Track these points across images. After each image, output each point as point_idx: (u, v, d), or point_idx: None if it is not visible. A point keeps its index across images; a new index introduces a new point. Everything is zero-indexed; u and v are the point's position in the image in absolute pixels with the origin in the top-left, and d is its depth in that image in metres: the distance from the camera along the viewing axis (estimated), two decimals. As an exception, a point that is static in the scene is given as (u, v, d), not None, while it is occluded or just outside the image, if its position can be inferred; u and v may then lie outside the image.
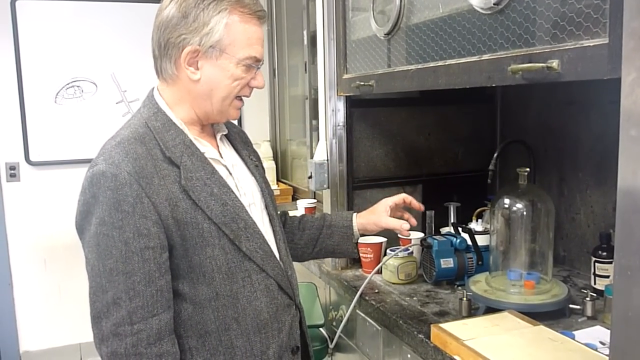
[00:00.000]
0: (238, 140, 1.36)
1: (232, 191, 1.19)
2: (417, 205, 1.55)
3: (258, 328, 1.19)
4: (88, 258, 1.09)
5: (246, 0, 1.16)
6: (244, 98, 1.24)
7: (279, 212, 1.46)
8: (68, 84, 3.33)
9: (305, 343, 1.37)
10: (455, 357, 1.28)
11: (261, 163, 1.41)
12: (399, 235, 1.81)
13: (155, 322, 1.07)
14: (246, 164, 1.32)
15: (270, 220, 1.31)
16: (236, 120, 2.94)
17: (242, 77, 1.18)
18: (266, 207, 1.32)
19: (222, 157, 1.25)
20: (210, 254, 1.13)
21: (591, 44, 0.97)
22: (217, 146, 1.27)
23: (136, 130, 1.15)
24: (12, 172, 3.30)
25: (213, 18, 1.12)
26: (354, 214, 1.52)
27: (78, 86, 3.35)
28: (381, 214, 1.49)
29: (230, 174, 1.24)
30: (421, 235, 1.96)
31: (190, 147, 1.16)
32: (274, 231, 1.31)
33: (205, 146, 1.21)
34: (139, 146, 1.11)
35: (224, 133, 1.31)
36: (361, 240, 1.85)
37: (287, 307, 1.26)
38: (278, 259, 1.26)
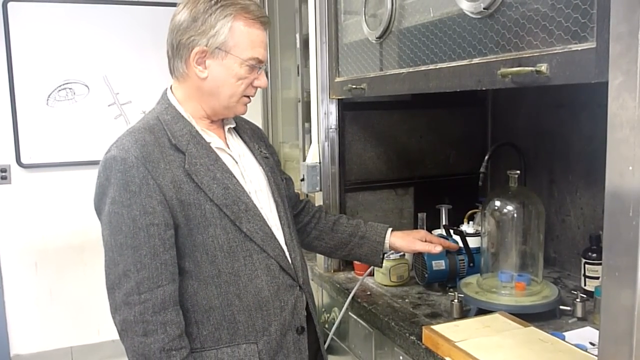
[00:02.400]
0: (249, 134, 1.45)
1: (234, 177, 1.28)
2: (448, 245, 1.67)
3: (259, 305, 1.27)
4: (103, 235, 1.21)
5: (250, 7, 1.27)
6: (252, 96, 1.34)
7: (319, 206, 1.66)
8: (60, 86, 3.31)
9: (313, 325, 1.43)
10: (446, 358, 1.29)
11: (273, 156, 1.50)
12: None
13: (160, 293, 1.17)
14: (254, 154, 1.41)
15: (277, 207, 1.39)
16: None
17: (246, 77, 1.28)
18: (272, 194, 1.39)
19: (228, 147, 1.35)
20: (213, 234, 1.23)
21: (579, 48, 0.98)
22: (225, 138, 1.37)
23: (147, 122, 1.27)
24: (3, 175, 3.28)
25: (219, 22, 1.24)
26: (389, 231, 1.59)
27: (70, 88, 3.34)
28: (417, 239, 1.59)
29: (237, 162, 1.34)
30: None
31: (196, 137, 1.27)
32: (279, 217, 1.38)
33: (211, 137, 1.32)
34: (148, 135, 1.23)
35: (232, 126, 1.40)
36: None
37: (289, 287, 1.33)
38: (282, 242, 1.34)
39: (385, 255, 1.68)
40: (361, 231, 1.58)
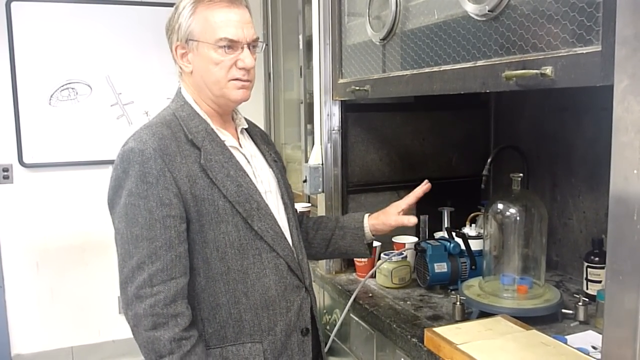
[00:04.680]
0: (259, 136, 1.47)
1: (247, 175, 1.29)
2: (424, 188, 1.58)
3: (266, 304, 1.27)
4: (118, 228, 1.20)
5: None
6: (244, 79, 1.30)
7: (300, 212, 1.59)
8: (62, 86, 3.31)
9: (316, 327, 1.42)
10: (448, 361, 1.29)
11: (281, 161, 1.51)
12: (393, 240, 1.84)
13: (173, 285, 1.17)
14: (264, 157, 1.42)
15: (285, 208, 1.40)
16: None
17: (222, 60, 1.26)
18: (282, 196, 1.40)
19: (241, 147, 1.35)
20: (224, 230, 1.23)
21: (584, 52, 0.98)
22: (238, 138, 1.38)
23: (164, 117, 1.29)
24: (5, 174, 3.28)
25: (181, 15, 1.27)
26: (366, 215, 1.56)
27: (72, 88, 3.34)
28: (391, 214, 1.54)
29: (249, 162, 1.35)
30: (415, 239, 1.97)
31: (212, 134, 1.29)
32: (287, 218, 1.39)
33: (225, 135, 1.33)
34: (165, 129, 1.24)
35: (245, 127, 1.41)
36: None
37: (296, 288, 1.34)
38: (290, 242, 1.34)
39: (384, 255, 1.67)
40: (340, 222, 1.57)
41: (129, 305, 1.17)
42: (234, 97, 1.30)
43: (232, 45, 1.26)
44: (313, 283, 2.07)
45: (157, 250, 1.16)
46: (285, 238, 1.33)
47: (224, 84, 1.28)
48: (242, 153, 1.34)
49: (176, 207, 1.18)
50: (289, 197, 1.42)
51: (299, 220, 1.55)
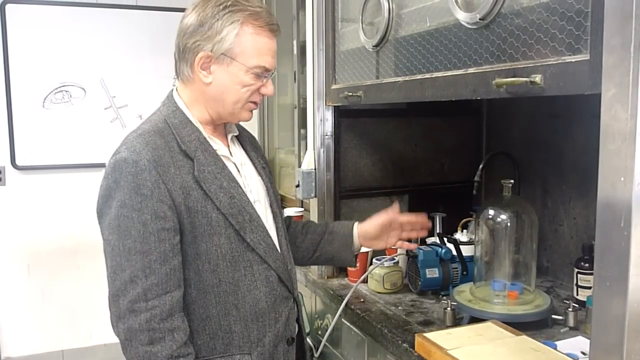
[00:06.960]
0: (248, 143, 1.45)
1: (239, 186, 1.28)
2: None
3: (256, 316, 1.26)
4: (108, 239, 1.16)
5: (261, 13, 1.24)
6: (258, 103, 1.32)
7: (287, 216, 1.56)
8: (56, 88, 3.30)
9: (301, 336, 1.42)
10: (438, 366, 1.29)
11: (269, 167, 1.49)
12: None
13: (169, 299, 1.14)
14: (254, 164, 1.41)
15: (274, 217, 1.38)
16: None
17: (251, 84, 1.26)
18: (270, 205, 1.39)
19: (232, 155, 1.34)
20: (217, 242, 1.21)
21: (573, 60, 0.99)
22: (228, 145, 1.36)
23: (156, 125, 1.24)
24: (-2, 176, 3.27)
25: (226, 28, 1.21)
26: (356, 224, 1.55)
27: (66, 91, 3.33)
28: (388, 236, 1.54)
29: (239, 171, 1.33)
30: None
31: (204, 143, 1.26)
32: (276, 227, 1.38)
33: (217, 144, 1.30)
34: (158, 138, 1.20)
35: (235, 134, 1.40)
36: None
37: (285, 299, 1.33)
38: (280, 253, 1.33)
39: (376, 261, 1.65)
40: (330, 227, 1.57)
41: (121, 319, 1.13)
42: (244, 118, 1.32)
43: (263, 73, 1.26)
44: (305, 288, 2.08)
45: (151, 264, 1.13)
46: (277, 249, 1.32)
47: (242, 105, 1.28)
48: (232, 162, 1.32)
49: (170, 220, 1.15)
50: (277, 205, 1.41)
51: (287, 224, 1.54)
